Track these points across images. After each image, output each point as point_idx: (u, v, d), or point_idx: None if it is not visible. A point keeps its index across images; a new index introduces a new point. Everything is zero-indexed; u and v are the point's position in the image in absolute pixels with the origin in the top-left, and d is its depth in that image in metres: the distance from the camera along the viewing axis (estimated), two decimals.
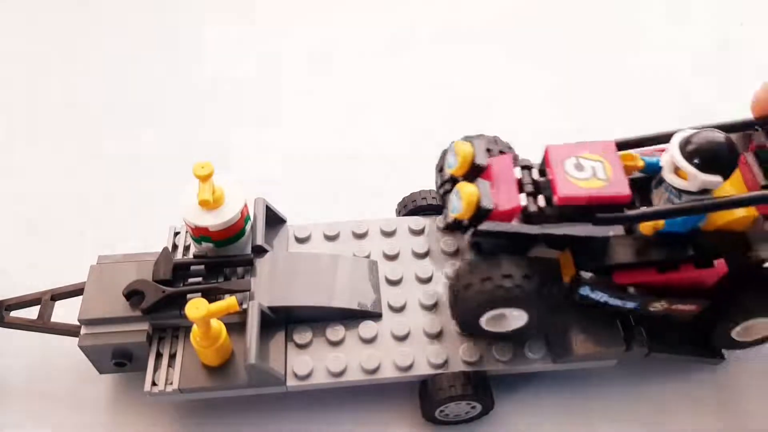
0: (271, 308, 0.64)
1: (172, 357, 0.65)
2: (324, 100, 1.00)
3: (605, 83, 1.02)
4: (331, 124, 0.97)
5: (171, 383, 0.63)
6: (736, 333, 0.65)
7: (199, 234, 0.66)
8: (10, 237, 0.84)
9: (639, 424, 0.69)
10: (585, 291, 0.60)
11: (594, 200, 0.55)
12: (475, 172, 0.60)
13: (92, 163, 0.92)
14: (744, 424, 0.68)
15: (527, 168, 0.59)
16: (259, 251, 0.68)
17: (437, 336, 0.66)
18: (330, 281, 0.67)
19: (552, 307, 0.61)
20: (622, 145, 0.60)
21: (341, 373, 0.64)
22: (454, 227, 0.60)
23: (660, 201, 0.59)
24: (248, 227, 0.69)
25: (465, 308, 0.61)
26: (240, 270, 0.68)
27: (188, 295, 0.64)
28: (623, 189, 0.56)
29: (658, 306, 0.61)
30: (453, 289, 0.62)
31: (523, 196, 0.58)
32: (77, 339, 0.64)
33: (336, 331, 0.66)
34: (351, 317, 0.66)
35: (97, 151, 0.94)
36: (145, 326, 0.65)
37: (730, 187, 0.58)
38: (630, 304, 0.61)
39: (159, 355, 0.65)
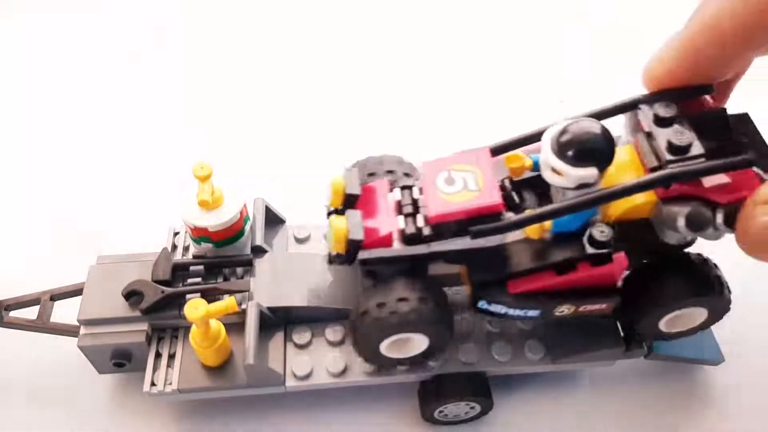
0: (270, 308, 0.64)
1: (171, 357, 0.65)
2: (325, 100, 1.00)
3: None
4: (333, 123, 0.97)
5: (170, 383, 0.63)
6: (665, 325, 0.62)
7: (199, 234, 0.66)
8: (10, 237, 0.84)
9: (639, 424, 0.69)
10: (483, 305, 0.58)
11: (466, 214, 0.54)
12: (350, 202, 0.59)
13: (91, 163, 0.92)
14: (745, 425, 0.68)
15: (407, 188, 0.58)
16: (259, 251, 0.68)
17: None
18: (329, 282, 0.67)
19: (452, 325, 0.60)
20: (497, 150, 0.58)
21: (341, 374, 0.64)
22: (337, 260, 0.58)
23: (558, 198, 0.56)
24: (247, 227, 0.69)
25: (364, 337, 0.58)
26: (239, 270, 0.68)
27: (187, 296, 0.64)
28: (494, 198, 0.54)
29: (564, 310, 0.58)
30: (350, 320, 0.60)
31: (401, 218, 0.57)
32: (77, 339, 0.64)
33: (335, 332, 0.65)
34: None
35: (95, 150, 0.94)
36: (144, 326, 0.65)
37: (633, 172, 0.55)
38: (532, 313, 0.58)
39: (158, 356, 0.65)
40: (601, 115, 0.56)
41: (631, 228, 0.56)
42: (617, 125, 0.58)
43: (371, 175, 0.63)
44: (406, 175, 0.64)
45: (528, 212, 0.54)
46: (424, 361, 0.62)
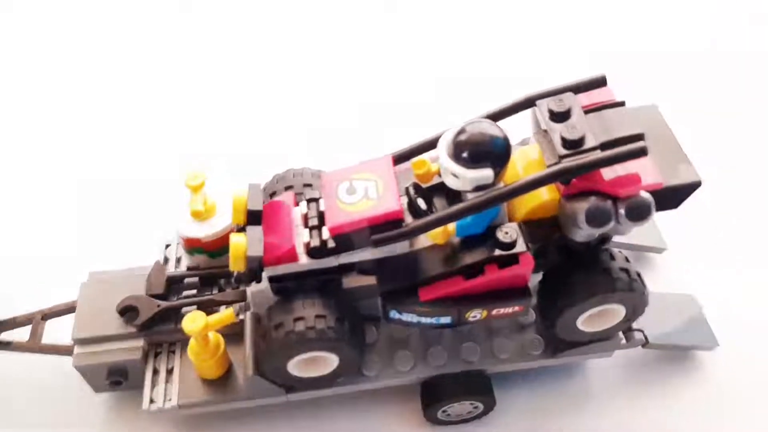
0: None
1: (170, 372, 0.64)
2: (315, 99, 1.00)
3: None
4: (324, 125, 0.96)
5: (170, 399, 0.62)
6: (584, 324, 0.61)
7: (192, 245, 0.65)
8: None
9: (643, 420, 0.69)
10: (394, 314, 0.58)
11: (365, 223, 0.54)
12: (253, 219, 0.57)
13: (77, 179, 0.90)
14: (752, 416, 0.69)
15: (314, 201, 0.58)
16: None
17: (436, 337, 0.66)
18: None
19: (361, 343, 0.59)
20: (400, 158, 0.58)
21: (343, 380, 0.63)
22: (243, 279, 0.57)
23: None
24: None
25: (270, 355, 0.57)
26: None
27: (183, 309, 0.63)
28: (392, 205, 0.53)
29: (476, 315, 0.58)
30: (255, 340, 0.59)
31: (306, 231, 0.57)
32: (71, 358, 0.63)
33: None
34: None
35: (82, 165, 0.92)
36: (140, 342, 0.63)
37: (538, 171, 0.54)
38: (444, 320, 0.58)
39: (155, 372, 0.64)
40: (498, 116, 0.56)
41: (539, 227, 0.56)
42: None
43: (288, 188, 0.62)
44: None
45: (425, 218, 0.54)
46: (333, 380, 0.62)
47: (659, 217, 0.79)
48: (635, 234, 0.78)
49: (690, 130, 0.66)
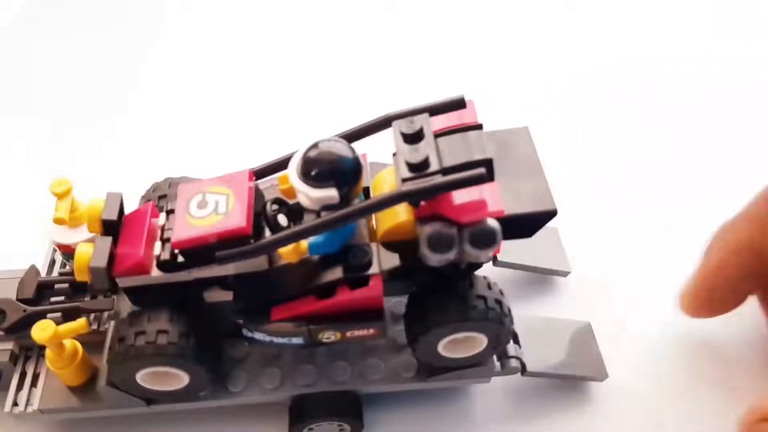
0: None
1: (36, 377, 0.64)
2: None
3: None
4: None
5: (32, 404, 0.62)
6: (445, 350, 0.59)
7: (66, 251, 0.65)
8: None
9: None
10: (248, 334, 0.57)
11: (210, 238, 0.52)
12: (108, 229, 0.56)
13: None
14: None
15: (173, 212, 0.57)
16: None
17: (308, 356, 0.65)
18: None
19: (216, 362, 0.59)
20: (260, 173, 0.57)
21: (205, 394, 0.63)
22: (96, 289, 0.57)
23: None
24: None
25: (116, 364, 0.56)
26: None
27: (48, 315, 0.63)
28: (239, 221, 0.52)
29: (330, 336, 0.57)
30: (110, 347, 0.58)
31: (159, 243, 0.55)
32: None
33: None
34: None
35: None
36: (9, 345, 0.64)
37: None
38: (296, 340, 0.57)
39: (23, 375, 0.64)
40: (357, 135, 0.55)
41: (398, 249, 0.55)
42: None
43: (162, 197, 0.62)
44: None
45: (271, 237, 0.52)
46: (194, 394, 0.61)
47: (566, 241, 0.77)
48: (540, 256, 0.76)
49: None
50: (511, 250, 0.72)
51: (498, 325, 0.57)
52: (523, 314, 0.67)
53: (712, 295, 0.67)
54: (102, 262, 0.54)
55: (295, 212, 0.58)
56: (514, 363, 0.64)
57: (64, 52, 1.09)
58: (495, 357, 0.64)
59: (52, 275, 0.69)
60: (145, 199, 0.65)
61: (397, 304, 0.67)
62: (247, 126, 0.97)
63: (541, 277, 0.77)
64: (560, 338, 0.70)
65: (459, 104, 0.55)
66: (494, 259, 0.71)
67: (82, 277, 0.55)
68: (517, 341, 0.66)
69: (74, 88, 1.03)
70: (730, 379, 0.69)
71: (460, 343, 0.59)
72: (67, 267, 0.69)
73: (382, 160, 0.61)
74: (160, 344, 0.55)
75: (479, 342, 0.59)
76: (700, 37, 1.05)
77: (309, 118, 0.95)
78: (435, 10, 1.13)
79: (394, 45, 1.08)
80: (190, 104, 1.00)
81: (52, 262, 0.70)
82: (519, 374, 0.65)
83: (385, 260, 0.56)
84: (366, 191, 0.59)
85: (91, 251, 0.55)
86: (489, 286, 0.58)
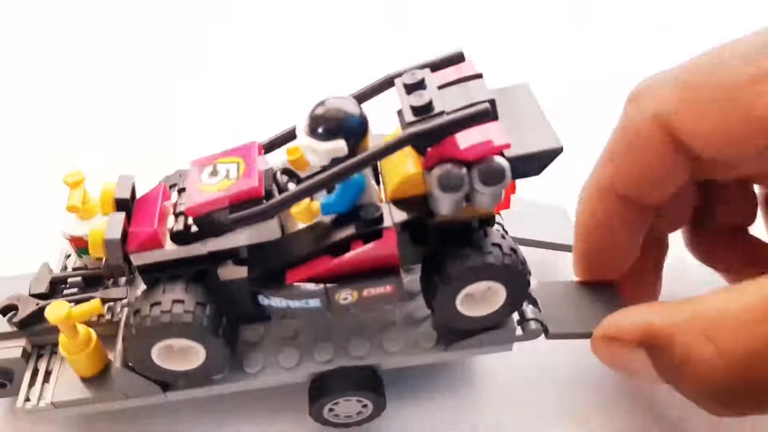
0: None
1: (49, 373, 0.63)
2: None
3: None
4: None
5: (44, 398, 0.61)
6: (463, 306, 0.58)
7: (78, 245, 0.66)
8: None
9: (534, 414, 0.65)
10: (264, 301, 0.57)
11: (223, 201, 0.53)
12: (122, 206, 0.57)
13: None
14: None
15: (183, 190, 0.58)
16: None
17: (325, 334, 0.64)
18: None
19: (232, 338, 0.58)
20: (269, 146, 0.59)
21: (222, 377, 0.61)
22: (112, 270, 0.58)
23: None
24: None
25: (129, 343, 0.56)
26: (122, 280, 0.67)
27: None
28: (251, 182, 0.53)
29: (347, 297, 0.56)
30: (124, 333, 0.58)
31: (172, 217, 0.56)
32: None
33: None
34: None
35: None
36: (21, 342, 0.63)
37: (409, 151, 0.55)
38: (313, 303, 0.56)
39: (36, 372, 0.63)
40: (362, 97, 0.57)
41: (408, 205, 0.56)
42: None
43: (172, 187, 0.62)
44: None
45: (282, 195, 0.53)
46: (209, 377, 0.60)
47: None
48: (549, 232, 0.76)
49: None
50: (520, 226, 0.72)
51: (515, 273, 0.57)
52: (542, 281, 0.66)
53: (590, 249, 0.64)
54: (116, 234, 0.54)
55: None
56: (534, 325, 0.63)
57: (64, 53, 1.13)
58: (515, 322, 0.63)
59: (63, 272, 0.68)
60: (170, 183, 0.65)
61: (412, 281, 0.67)
62: (254, 109, 0.99)
63: (551, 255, 0.76)
64: (581, 300, 0.68)
65: (458, 58, 0.57)
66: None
67: (96, 253, 0.55)
68: (536, 306, 0.65)
69: (75, 89, 1.06)
70: None
71: (479, 300, 0.59)
72: (79, 263, 0.69)
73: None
74: (176, 313, 0.54)
75: (498, 295, 0.58)
76: None
77: (313, 88, 0.96)
78: None
79: (393, 9, 1.11)
80: (190, 104, 1.03)
81: (65, 268, 0.70)
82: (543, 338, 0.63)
83: (396, 215, 0.56)
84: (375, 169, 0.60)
85: (104, 228, 0.55)
86: (503, 236, 0.58)
